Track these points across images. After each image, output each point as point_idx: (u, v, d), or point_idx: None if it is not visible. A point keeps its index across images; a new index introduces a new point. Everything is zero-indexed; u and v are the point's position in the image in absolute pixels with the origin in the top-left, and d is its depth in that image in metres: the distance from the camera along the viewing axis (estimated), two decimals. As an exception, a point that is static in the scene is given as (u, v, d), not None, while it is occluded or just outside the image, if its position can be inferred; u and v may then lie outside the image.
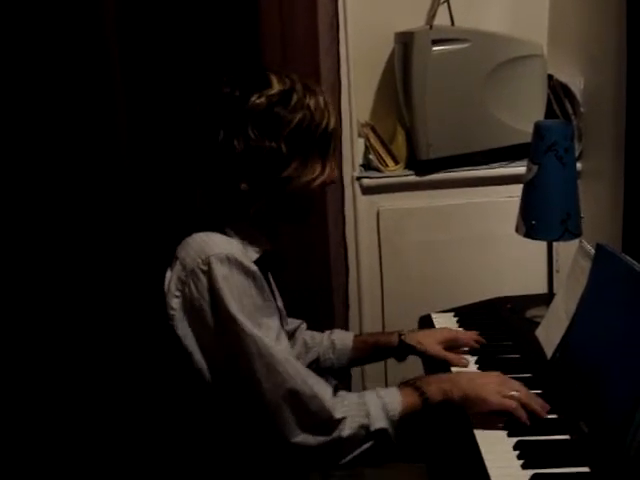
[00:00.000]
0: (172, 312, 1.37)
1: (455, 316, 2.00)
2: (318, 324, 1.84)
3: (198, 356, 1.36)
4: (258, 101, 1.39)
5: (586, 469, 1.27)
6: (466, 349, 1.78)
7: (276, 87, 1.41)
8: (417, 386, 1.42)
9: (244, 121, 1.39)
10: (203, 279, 1.34)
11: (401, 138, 2.50)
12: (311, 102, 1.43)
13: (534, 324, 1.81)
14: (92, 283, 2.20)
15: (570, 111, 2.44)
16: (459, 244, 2.44)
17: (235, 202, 1.45)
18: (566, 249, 2.10)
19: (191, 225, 1.44)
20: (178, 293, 1.37)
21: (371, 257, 2.46)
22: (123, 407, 2.10)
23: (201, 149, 1.44)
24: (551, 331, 1.69)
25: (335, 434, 1.35)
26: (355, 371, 2.49)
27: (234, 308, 1.32)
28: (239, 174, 1.41)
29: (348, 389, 2.49)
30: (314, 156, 1.45)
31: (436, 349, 1.74)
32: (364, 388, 2.53)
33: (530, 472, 1.26)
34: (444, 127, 2.39)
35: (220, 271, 1.33)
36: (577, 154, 2.35)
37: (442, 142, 2.40)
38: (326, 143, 1.46)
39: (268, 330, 1.36)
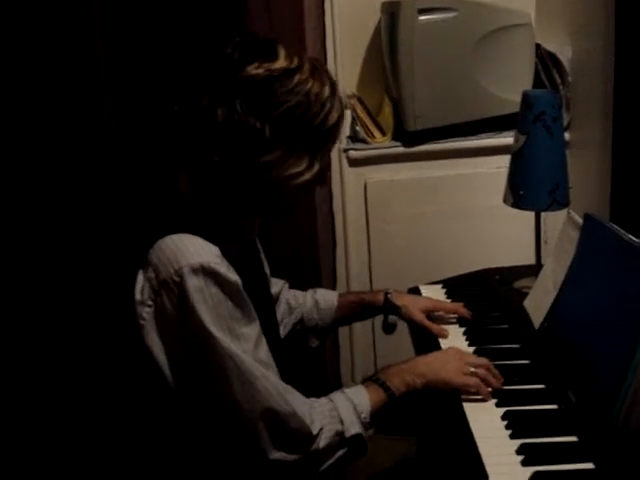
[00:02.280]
0: (142, 322, 1.27)
1: (443, 288, 1.99)
2: None
3: (167, 369, 1.27)
4: (254, 72, 1.27)
5: (574, 438, 1.27)
6: (453, 320, 1.77)
7: (281, 62, 1.29)
8: (381, 382, 1.40)
9: (234, 90, 1.27)
10: (176, 291, 1.24)
11: (388, 109, 2.47)
12: (313, 89, 1.29)
13: (522, 295, 1.81)
14: (66, 280, 2.14)
15: (558, 81, 2.42)
16: (447, 216, 2.43)
17: (210, 179, 1.33)
18: (554, 220, 2.09)
19: (172, 212, 1.35)
20: (150, 302, 1.26)
21: (358, 229, 2.45)
22: (88, 418, 2.05)
23: (182, 112, 1.32)
24: (539, 301, 1.69)
25: (313, 447, 1.30)
26: (344, 347, 2.49)
27: (209, 322, 1.23)
28: (214, 145, 1.29)
29: (335, 350, 2.48)
30: (301, 149, 1.32)
31: (419, 316, 1.74)
32: (352, 356, 2.52)
33: (518, 442, 1.26)
34: (431, 98, 2.37)
35: (193, 283, 1.22)
36: (565, 124, 2.34)
37: (429, 113, 2.38)
38: (320, 139, 1.34)
39: (247, 341, 1.27)
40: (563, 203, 1.83)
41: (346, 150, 2.42)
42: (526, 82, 2.42)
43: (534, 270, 1.89)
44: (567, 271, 1.60)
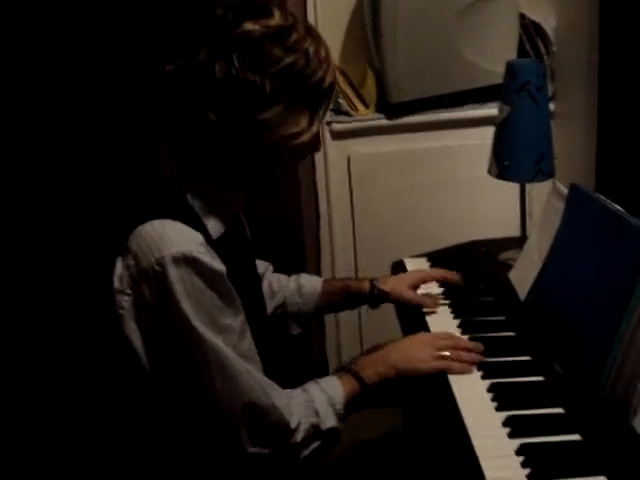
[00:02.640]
0: (121, 311, 1.23)
1: (428, 261, 1.97)
2: (289, 271, 1.81)
3: (145, 359, 1.24)
4: (251, 28, 1.22)
5: (560, 410, 1.26)
6: (440, 291, 1.76)
7: (276, 20, 1.25)
8: (354, 372, 1.38)
9: (231, 46, 1.22)
10: (157, 281, 1.20)
11: (371, 81, 2.44)
12: (310, 48, 1.26)
13: (507, 267, 1.80)
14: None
15: (542, 51, 2.40)
16: (431, 188, 2.41)
17: (200, 140, 1.27)
18: (539, 192, 2.07)
19: (152, 196, 1.29)
20: (129, 291, 1.22)
21: (342, 203, 2.42)
22: (63, 409, 2.02)
23: (176, 71, 1.25)
24: (524, 273, 1.68)
25: (291, 441, 1.29)
26: (330, 324, 2.48)
27: (191, 314, 1.19)
28: (211, 102, 1.23)
29: (320, 324, 2.47)
30: (301, 106, 1.27)
31: (410, 294, 1.69)
32: (338, 330, 2.51)
33: (504, 414, 1.25)
34: (415, 69, 2.34)
35: (175, 273, 1.18)
36: (550, 94, 2.31)
37: (413, 84, 2.35)
38: (318, 98, 1.29)
39: (230, 333, 1.25)
40: (548, 174, 1.82)
41: (329, 123, 2.39)
42: (510, 52, 2.39)
43: (519, 242, 1.87)
44: (552, 242, 1.58)
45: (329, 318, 2.44)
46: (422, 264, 1.96)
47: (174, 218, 1.23)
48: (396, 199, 2.40)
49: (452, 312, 1.67)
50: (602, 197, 1.43)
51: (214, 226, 1.32)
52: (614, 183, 1.81)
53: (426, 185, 2.40)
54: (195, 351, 1.22)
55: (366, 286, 1.71)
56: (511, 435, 1.20)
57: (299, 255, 2.35)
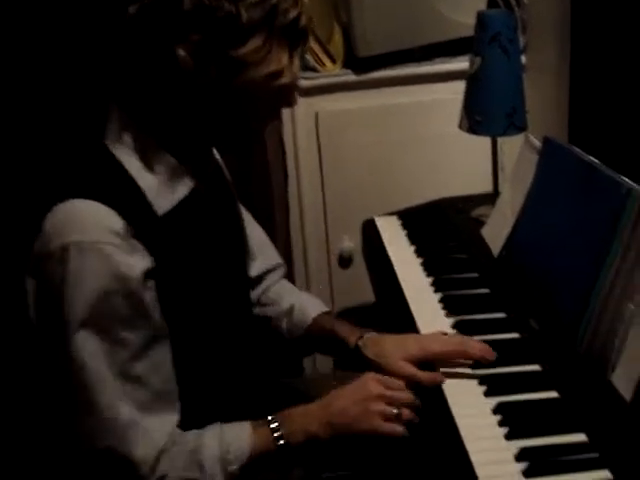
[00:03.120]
0: (28, 295, 1.11)
1: (399, 219, 1.94)
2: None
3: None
4: None
5: (537, 367, 1.24)
6: (413, 249, 1.72)
7: None
8: (275, 428, 1.15)
9: None
10: (55, 268, 1.05)
11: (338, 36, 2.37)
12: None
13: (480, 223, 1.77)
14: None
15: (513, 2, 2.34)
16: (402, 145, 2.35)
17: (166, 90, 1.11)
18: (511, 147, 2.03)
19: (80, 164, 1.14)
20: (34, 274, 1.09)
21: (311, 161, 2.36)
22: None
23: (140, 7, 1.07)
24: (497, 229, 1.65)
25: None
26: (300, 279, 2.43)
27: (77, 315, 1.04)
28: (180, 36, 1.06)
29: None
30: (281, 41, 1.11)
31: (402, 368, 1.28)
32: (309, 291, 2.44)
33: (480, 372, 1.23)
34: (382, 22, 2.27)
35: (75, 264, 1.03)
36: (521, 47, 2.26)
37: (381, 37, 2.28)
38: (295, 35, 1.14)
39: (123, 348, 1.07)
40: (520, 127, 1.78)
41: (296, 79, 2.31)
42: (480, 3, 2.33)
43: (492, 198, 1.84)
44: (525, 197, 1.55)
45: (299, 276, 2.39)
46: (393, 222, 1.93)
47: (100, 197, 1.06)
48: (366, 156, 2.35)
49: (425, 270, 1.63)
50: (576, 149, 1.40)
51: (165, 199, 1.14)
52: (587, 136, 1.77)
53: (396, 142, 2.35)
54: (66, 356, 1.06)
55: (352, 340, 1.37)
56: (487, 394, 1.18)
57: (267, 214, 2.29)
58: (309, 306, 1.47)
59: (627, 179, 1.21)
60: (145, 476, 1.09)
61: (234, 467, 1.11)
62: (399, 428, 1.15)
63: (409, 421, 1.16)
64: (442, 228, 1.85)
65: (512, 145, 1.92)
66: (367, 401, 1.16)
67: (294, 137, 2.33)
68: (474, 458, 1.03)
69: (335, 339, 1.39)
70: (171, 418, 1.14)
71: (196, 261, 1.18)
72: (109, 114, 1.16)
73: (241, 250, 1.39)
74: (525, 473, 1.00)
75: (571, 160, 1.39)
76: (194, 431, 1.14)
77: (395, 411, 1.15)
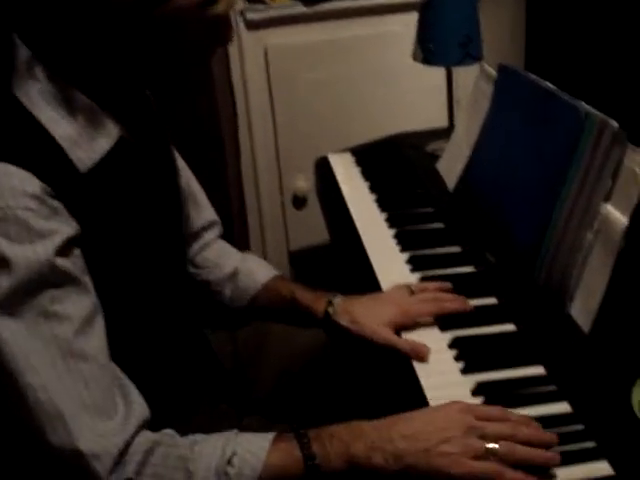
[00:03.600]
0: None
1: (353, 156, 1.88)
2: (208, 177, 1.65)
3: None
4: None
5: (493, 300, 1.20)
6: (367, 185, 1.66)
7: None
8: (306, 442, 0.90)
9: None
10: None
11: (287, -33, 2.28)
12: None
13: (436, 158, 1.72)
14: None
15: None
16: (355, 80, 2.28)
17: (71, 13, 0.91)
18: (467, 80, 1.98)
19: None
20: None
21: (261, 99, 2.27)
22: None
23: None
24: (453, 163, 1.60)
25: None
26: (253, 221, 2.37)
27: None
28: None
29: (243, 226, 2.34)
30: None
31: (380, 334, 1.15)
32: (262, 232, 2.39)
33: (435, 307, 1.18)
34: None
35: None
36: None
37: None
38: None
39: (61, 322, 0.88)
40: (476, 56, 1.71)
41: (242, 12, 2.22)
42: None
43: (447, 132, 1.79)
44: (481, 127, 1.50)
45: (252, 218, 2.33)
46: (347, 159, 1.87)
47: (9, 156, 0.88)
48: (318, 92, 2.27)
49: (379, 206, 1.58)
50: (532, 75, 1.35)
51: (86, 152, 0.96)
52: (544, 64, 1.73)
53: (349, 76, 2.27)
54: None
55: (320, 309, 1.22)
56: (443, 328, 1.14)
57: (217, 155, 2.22)
58: (257, 270, 1.32)
59: (585, 104, 1.16)
60: (99, 471, 0.86)
61: None
62: (492, 466, 0.85)
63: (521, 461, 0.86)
64: (396, 164, 1.80)
65: (468, 78, 1.86)
66: (468, 435, 0.88)
67: (242, 73, 2.24)
68: (429, 394, 1.00)
69: (297, 307, 1.26)
70: (135, 409, 0.92)
71: (126, 222, 1.02)
72: (13, 53, 0.96)
73: (176, 206, 1.20)
74: (482, 408, 0.97)
75: (527, 87, 1.34)
76: (196, 436, 0.93)
77: (488, 445, 0.86)
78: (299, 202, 2.35)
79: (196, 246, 1.32)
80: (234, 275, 1.31)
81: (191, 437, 0.91)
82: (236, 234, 2.33)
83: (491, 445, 0.86)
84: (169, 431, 0.92)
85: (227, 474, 0.87)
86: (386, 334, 1.14)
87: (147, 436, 0.90)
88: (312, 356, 1.34)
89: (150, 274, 1.07)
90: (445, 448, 0.86)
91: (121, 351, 0.96)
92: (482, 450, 0.86)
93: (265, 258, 2.34)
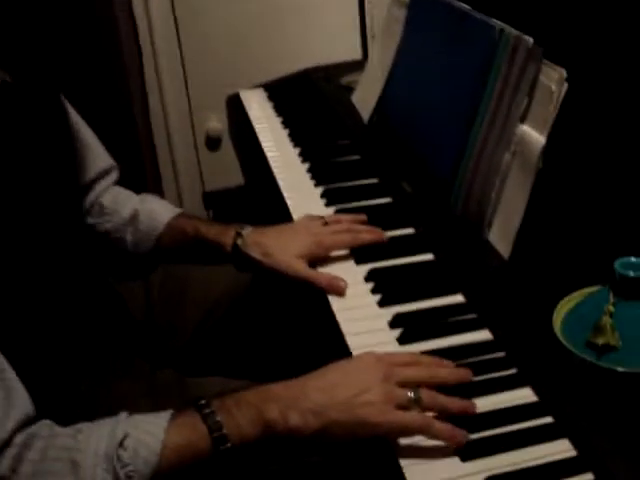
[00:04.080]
0: None
1: (266, 91, 1.80)
2: (114, 120, 1.55)
3: None
4: None
5: (411, 230, 1.16)
6: (280, 121, 1.59)
7: None
8: (208, 414, 0.79)
9: None
10: None
11: None
12: None
13: (351, 90, 1.65)
14: None
15: None
16: (266, 14, 2.18)
17: None
18: (380, 11, 1.92)
19: None
20: None
21: (168, 36, 2.15)
22: None
23: None
24: (367, 94, 1.54)
25: None
26: (165, 164, 2.27)
27: None
28: None
29: (155, 169, 2.25)
30: None
31: (294, 267, 1.08)
32: (176, 175, 2.29)
33: (351, 239, 1.13)
34: None
35: None
36: None
37: None
38: None
39: None
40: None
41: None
42: None
43: (361, 65, 1.72)
44: (395, 55, 1.44)
45: (164, 160, 2.24)
46: (260, 95, 1.79)
47: None
48: (227, 27, 2.16)
49: (292, 141, 1.52)
50: (446, -4, 1.29)
51: None
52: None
53: (260, 10, 2.17)
54: None
55: (228, 241, 1.15)
56: (358, 261, 1.09)
57: (124, 93, 2.11)
58: (158, 210, 1.23)
59: (499, 22, 1.11)
60: None
61: (130, 470, 0.75)
62: (420, 418, 0.79)
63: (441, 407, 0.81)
64: (310, 98, 1.73)
65: (381, 9, 1.80)
66: (387, 382, 0.81)
67: (146, 10, 2.12)
68: (345, 329, 0.95)
69: (204, 243, 1.17)
70: (16, 405, 0.79)
71: (8, 171, 0.93)
72: None
73: (67, 156, 1.11)
74: (400, 339, 0.93)
75: (440, 8, 1.28)
76: (80, 424, 0.80)
77: (411, 394, 0.81)
78: (213, 143, 2.26)
79: (92, 196, 1.23)
80: (134, 218, 1.22)
81: (74, 426, 0.79)
82: (149, 178, 2.24)
83: (413, 394, 0.80)
84: (47, 422, 0.80)
85: (120, 458, 0.75)
86: (300, 267, 1.08)
87: (26, 431, 0.78)
88: (233, 300, 1.28)
89: (40, 228, 0.98)
90: (367, 397, 0.79)
91: (16, 317, 0.89)
92: (405, 398, 0.80)
93: (180, 201, 2.27)
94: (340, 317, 0.97)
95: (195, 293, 1.29)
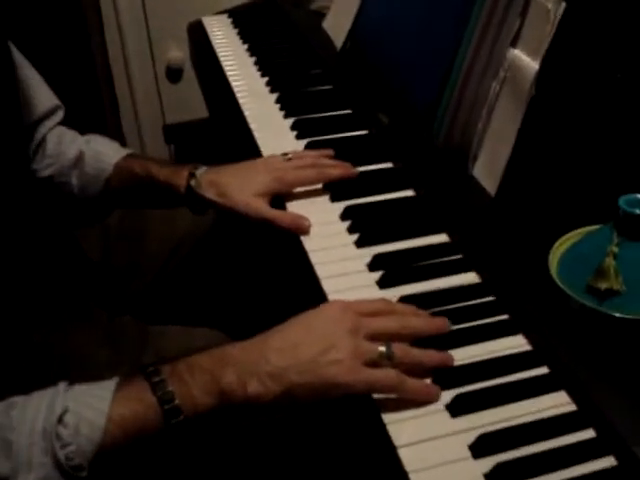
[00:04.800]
0: None
1: (230, 17, 1.69)
2: (67, 52, 1.43)
3: None
4: None
5: (389, 165, 1.07)
6: (245, 47, 1.49)
7: None
8: (158, 382, 0.70)
9: None
10: None
11: None
12: None
13: (322, 16, 1.54)
14: None
15: None
16: None
17: None
18: None
19: None
20: None
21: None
22: None
23: None
24: (340, 18, 1.43)
25: None
26: (123, 96, 2.15)
27: None
28: None
29: (113, 101, 2.12)
30: None
31: (253, 206, 0.99)
32: (135, 107, 2.16)
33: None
34: None
35: None
36: None
37: None
38: None
39: None
40: None
41: None
42: None
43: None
44: (371, -25, 1.33)
45: (122, 92, 2.12)
46: (223, 22, 1.67)
47: None
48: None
49: (259, 69, 1.41)
50: None
51: None
52: None
53: None
54: None
55: (181, 182, 1.04)
56: (333, 199, 1.01)
57: (80, 33, 1.97)
58: (105, 151, 1.13)
59: None
60: None
61: (71, 450, 0.66)
62: (392, 375, 0.71)
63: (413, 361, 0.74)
64: (278, 23, 1.62)
65: None
66: (355, 336, 0.73)
67: None
68: (320, 272, 0.87)
69: (155, 185, 1.07)
70: None
71: None
72: None
73: (9, 95, 1.01)
74: (380, 283, 0.85)
75: None
76: (13, 398, 0.70)
77: (382, 349, 0.73)
78: (174, 75, 2.14)
79: (36, 138, 1.12)
80: (79, 160, 1.12)
81: (7, 400, 0.69)
82: (107, 113, 2.12)
83: (384, 348, 0.72)
84: None
85: (59, 436, 0.65)
86: (260, 206, 0.98)
87: None
88: (198, 240, 1.21)
89: None
90: (333, 355, 0.71)
91: None
92: (376, 353, 0.72)
93: (139, 136, 2.16)
94: (314, 259, 0.89)
95: (156, 231, 1.21)
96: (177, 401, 0.68)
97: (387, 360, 0.72)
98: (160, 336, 1.00)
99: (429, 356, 0.74)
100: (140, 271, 1.19)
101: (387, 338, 0.73)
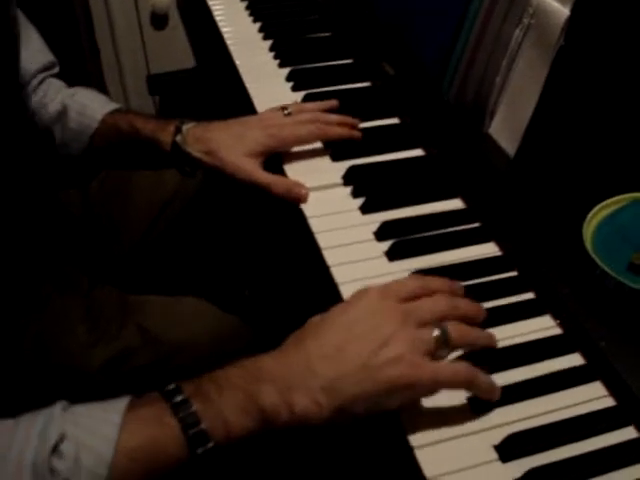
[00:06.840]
0: None
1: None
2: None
3: None
4: None
5: (395, 120, 0.98)
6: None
7: None
8: (181, 401, 0.58)
9: None
10: None
11: None
12: None
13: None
14: None
15: None
16: None
17: None
18: None
19: None
20: None
21: None
22: None
23: None
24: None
25: None
26: (106, 47, 2.03)
27: None
28: None
29: (93, 50, 2.00)
30: None
31: (242, 168, 0.89)
32: (118, 58, 2.04)
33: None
34: None
35: None
36: None
37: None
38: None
39: None
40: None
41: None
42: None
43: None
44: None
45: (104, 44, 1.99)
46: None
47: None
48: None
49: (252, 14, 1.31)
50: None
51: None
52: None
53: None
54: None
55: (166, 138, 0.94)
56: (335, 158, 0.91)
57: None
58: (90, 105, 1.02)
59: None
60: None
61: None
62: (464, 368, 0.61)
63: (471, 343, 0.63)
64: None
65: None
66: (392, 339, 0.60)
67: None
68: (322, 242, 0.78)
69: (140, 142, 0.97)
70: None
71: None
72: None
73: (6, 49, 0.92)
74: (389, 254, 0.76)
75: None
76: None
77: (437, 333, 0.61)
78: (159, 21, 2.01)
79: (30, 93, 1.04)
80: (62, 114, 1.02)
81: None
82: (88, 62, 2.00)
83: (438, 332, 0.60)
84: None
85: (54, 471, 0.52)
86: (251, 169, 0.88)
87: None
88: (185, 202, 1.11)
89: None
90: (388, 352, 0.59)
91: None
92: (432, 341, 0.60)
93: (122, 87, 2.04)
94: (315, 226, 0.80)
95: (141, 195, 1.12)
96: (204, 425, 0.56)
97: (444, 345, 0.61)
98: (142, 307, 0.91)
99: (481, 336, 0.63)
100: (122, 235, 1.10)
101: (436, 321, 0.62)
